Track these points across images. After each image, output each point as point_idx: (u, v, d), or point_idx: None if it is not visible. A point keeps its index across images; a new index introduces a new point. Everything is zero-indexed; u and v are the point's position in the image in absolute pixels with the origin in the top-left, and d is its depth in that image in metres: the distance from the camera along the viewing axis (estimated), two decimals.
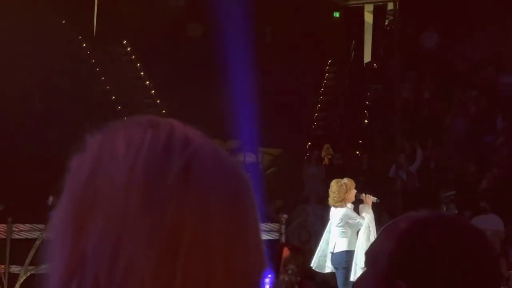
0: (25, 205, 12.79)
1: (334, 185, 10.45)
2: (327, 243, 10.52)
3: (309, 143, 20.10)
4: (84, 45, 21.32)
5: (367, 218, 10.22)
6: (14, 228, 11.50)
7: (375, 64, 22.21)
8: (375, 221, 10.22)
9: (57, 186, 0.90)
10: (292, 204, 16.25)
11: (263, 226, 10.84)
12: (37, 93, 18.05)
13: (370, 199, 10.43)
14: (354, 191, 10.43)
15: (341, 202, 10.33)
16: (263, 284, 0.90)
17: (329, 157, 18.45)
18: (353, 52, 23.26)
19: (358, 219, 10.27)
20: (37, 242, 10.87)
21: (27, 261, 11.17)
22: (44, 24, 18.61)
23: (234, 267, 0.86)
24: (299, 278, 9.91)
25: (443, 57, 19.88)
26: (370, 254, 1.54)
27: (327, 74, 22.62)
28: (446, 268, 1.44)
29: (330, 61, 22.76)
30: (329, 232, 10.55)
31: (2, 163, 15.22)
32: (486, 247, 1.50)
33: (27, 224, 11.49)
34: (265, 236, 10.69)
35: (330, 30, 22.94)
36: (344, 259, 10.25)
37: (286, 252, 10.16)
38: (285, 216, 12.05)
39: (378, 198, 10.57)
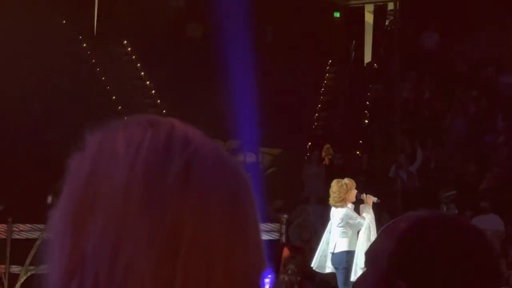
0: (25, 205, 12.79)
1: (334, 185, 10.46)
2: (328, 243, 10.52)
3: (310, 143, 20.10)
4: (84, 45, 21.31)
5: (368, 218, 10.22)
6: (14, 228, 11.50)
7: (375, 64, 22.21)
8: (376, 221, 10.22)
9: (56, 185, 0.90)
10: (292, 204, 16.25)
11: (263, 226, 10.85)
12: (37, 93, 18.03)
13: (370, 199, 10.43)
14: (354, 191, 10.43)
15: (342, 202, 10.33)
16: (263, 284, 0.90)
17: (330, 157, 18.45)
18: (353, 52, 23.26)
19: (359, 219, 10.27)
20: (38, 242, 10.86)
21: (28, 261, 11.17)
22: (44, 24, 18.60)
23: (234, 267, 0.86)
24: (299, 278, 9.90)
25: (443, 57, 19.88)
26: (370, 254, 1.54)
27: (327, 74, 22.62)
28: (446, 268, 1.44)
29: (330, 61, 22.75)
30: (330, 232, 10.55)
31: (2, 163, 15.22)
32: (486, 247, 1.50)
33: (27, 224, 11.49)
34: (265, 236, 10.69)
35: (331, 30, 22.93)
36: (345, 259, 10.25)
37: (286, 252, 10.15)
38: (285, 216, 12.05)
39: (378, 198, 10.57)
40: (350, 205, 10.43)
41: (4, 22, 17.71)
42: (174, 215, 0.84)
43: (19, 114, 17.11)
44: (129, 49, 22.03)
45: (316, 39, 21.61)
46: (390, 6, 21.97)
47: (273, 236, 11.44)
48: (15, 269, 11.43)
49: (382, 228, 1.60)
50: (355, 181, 10.68)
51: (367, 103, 20.53)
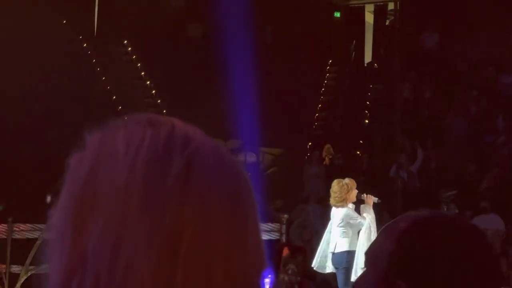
0: (25, 204, 12.79)
1: (335, 185, 10.44)
2: (328, 243, 10.52)
3: (310, 143, 20.10)
4: (84, 45, 21.32)
5: (368, 219, 10.22)
6: (14, 228, 11.50)
7: (375, 64, 22.21)
8: (376, 221, 10.22)
9: (56, 184, 0.90)
10: (293, 204, 16.25)
11: (264, 226, 10.84)
12: (37, 93, 18.03)
13: (371, 199, 10.42)
14: (355, 191, 10.42)
15: (343, 202, 10.32)
16: (264, 284, 0.90)
17: (330, 157, 18.45)
18: (353, 52, 23.26)
19: (359, 219, 10.26)
20: (38, 242, 10.85)
21: (28, 261, 11.16)
22: (44, 24, 18.60)
23: (234, 267, 0.85)
24: (299, 278, 9.90)
25: (444, 57, 19.88)
26: (370, 254, 1.54)
27: (327, 74, 22.62)
28: (446, 268, 1.44)
29: (330, 61, 22.76)
30: (330, 232, 10.55)
31: (2, 163, 15.22)
32: (486, 247, 1.50)
33: (27, 224, 11.49)
34: (265, 236, 10.69)
35: (331, 30, 22.93)
36: (345, 259, 10.25)
37: (286, 251, 10.15)
38: (285, 216, 12.05)
39: (379, 198, 10.57)
40: (350, 205, 10.43)
41: (4, 22, 17.71)
42: (174, 215, 0.83)
43: (19, 114, 17.10)
44: (129, 49, 22.03)
45: (316, 39, 21.61)
46: (391, 6, 21.98)
47: (273, 236, 11.43)
48: (15, 268, 11.42)
49: (382, 228, 1.60)
50: (355, 181, 10.68)
51: (368, 103, 20.53)
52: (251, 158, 17.82)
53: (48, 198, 12.79)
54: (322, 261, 10.52)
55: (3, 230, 11.52)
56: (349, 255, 10.22)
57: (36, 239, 11.01)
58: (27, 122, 17.16)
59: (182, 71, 19.91)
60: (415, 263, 1.45)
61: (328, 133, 20.29)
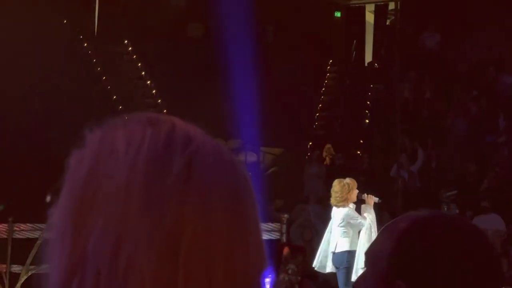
0: (26, 204, 12.78)
1: (336, 184, 10.44)
2: (328, 243, 10.52)
3: (310, 143, 20.10)
4: (85, 44, 21.32)
5: (369, 219, 10.22)
6: (15, 228, 11.49)
7: (376, 64, 22.21)
8: (376, 221, 10.22)
9: (56, 184, 0.90)
10: (293, 203, 16.25)
11: (264, 225, 10.83)
12: (37, 93, 18.03)
13: (372, 199, 10.42)
14: (356, 191, 10.42)
15: (344, 202, 10.32)
16: (264, 284, 0.90)
17: (330, 157, 18.45)
18: (354, 52, 23.25)
19: (360, 220, 10.26)
20: (38, 242, 10.85)
21: (28, 260, 11.16)
22: (44, 24, 18.60)
23: (234, 267, 0.85)
24: (299, 277, 9.90)
25: (444, 57, 19.88)
26: (370, 254, 1.54)
27: (328, 74, 22.62)
28: (446, 268, 1.43)
29: (331, 60, 22.76)
30: (330, 232, 10.55)
31: (2, 163, 15.22)
32: (487, 247, 1.50)
33: (28, 224, 11.48)
34: (266, 236, 10.67)
35: (331, 30, 22.94)
36: (346, 259, 10.25)
37: (286, 251, 10.15)
38: (286, 215, 12.04)
39: (379, 198, 10.57)
40: (351, 205, 10.42)
41: (4, 22, 17.70)
42: (174, 215, 0.83)
43: (19, 114, 17.10)
44: (129, 48, 22.03)
45: (317, 38, 21.61)
46: (391, 5, 21.99)
47: (274, 235, 11.42)
48: (16, 268, 11.42)
49: (382, 228, 1.60)
50: (356, 181, 10.67)
51: (368, 103, 20.53)
52: (251, 158, 17.82)
53: (48, 198, 12.79)
54: (323, 261, 10.52)
55: (4, 229, 11.52)
56: (350, 255, 10.22)
57: (36, 239, 11.00)
58: (27, 122, 17.16)
59: (183, 71, 19.91)
60: (415, 263, 1.45)
61: (328, 133, 20.29)
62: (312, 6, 22.07)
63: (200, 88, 18.72)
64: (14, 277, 11.36)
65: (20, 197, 13.69)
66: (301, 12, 21.66)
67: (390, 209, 12.88)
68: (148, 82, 21.37)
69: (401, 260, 1.46)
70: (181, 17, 21.95)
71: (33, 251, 10.88)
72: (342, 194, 10.31)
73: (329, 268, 10.53)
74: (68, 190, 0.88)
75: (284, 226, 11.70)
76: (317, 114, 21.49)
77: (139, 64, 21.68)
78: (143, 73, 21.61)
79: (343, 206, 10.32)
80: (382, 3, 23.62)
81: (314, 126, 21.09)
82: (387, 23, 23.34)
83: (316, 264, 10.56)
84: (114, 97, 20.09)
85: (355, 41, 23.33)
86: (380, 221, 10.18)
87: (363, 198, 10.45)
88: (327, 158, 18.48)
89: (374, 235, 9.65)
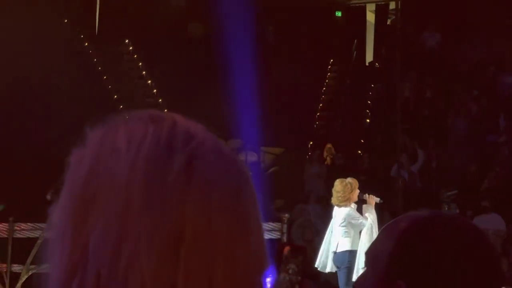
0: (26, 204, 12.79)
1: (338, 184, 10.42)
2: (330, 243, 10.51)
3: (311, 143, 20.10)
4: (85, 44, 21.32)
5: (370, 219, 10.22)
6: (15, 227, 11.49)
7: (377, 64, 22.21)
8: (378, 221, 10.22)
9: (57, 183, 0.89)
10: (293, 203, 16.25)
11: (265, 225, 10.81)
12: (37, 93, 18.03)
13: (373, 199, 10.42)
14: (357, 191, 10.42)
15: (346, 202, 10.31)
16: (265, 284, 0.89)
17: (331, 157, 18.45)
18: (354, 52, 23.25)
19: (361, 220, 10.26)
20: (39, 241, 10.85)
21: (29, 260, 11.17)
22: (44, 24, 18.60)
23: (235, 267, 0.85)
24: (299, 277, 9.90)
25: (445, 57, 19.87)
26: (370, 254, 1.54)
27: (328, 74, 22.62)
28: (446, 268, 1.43)
29: (332, 60, 22.76)
30: (331, 232, 10.54)
31: (3, 163, 15.22)
32: (487, 246, 1.50)
33: (28, 223, 11.48)
34: (266, 236, 10.64)
35: (332, 30, 22.94)
36: (347, 258, 10.24)
37: (286, 251, 10.14)
38: (286, 215, 12.04)
39: (381, 198, 10.56)
40: (353, 205, 10.42)
41: (4, 22, 17.70)
42: (174, 215, 0.83)
43: (20, 114, 17.11)
44: (130, 48, 22.03)
45: (317, 38, 21.61)
46: (392, 5, 21.98)
47: (274, 235, 11.42)
48: (16, 268, 11.42)
49: (382, 228, 1.60)
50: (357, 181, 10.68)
51: (369, 102, 20.53)
52: (252, 157, 17.82)
53: (49, 196, 12.81)
54: (325, 261, 10.52)
55: (4, 229, 11.52)
56: (351, 254, 10.22)
57: (37, 239, 11.00)
58: (28, 122, 17.16)
59: (183, 71, 19.92)
60: (415, 263, 1.45)
61: (329, 132, 20.29)
62: (313, 6, 22.07)
63: (200, 87, 18.72)
64: (15, 276, 11.36)
65: (20, 196, 13.69)
66: (301, 12, 21.66)
67: (391, 209, 12.87)
68: (149, 81, 21.37)
69: (401, 260, 1.46)
70: (182, 17, 21.96)
71: (34, 251, 10.88)
72: (344, 194, 10.30)
73: (329, 267, 10.53)
74: (68, 189, 0.87)
75: (285, 226, 11.70)
76: (318, 114, 21.49)
77: (140, 64, 21.69)
78: (143, 72, 21.61)
79: (345, 206, 10.32)
80: (382, 3, 23.62)
81: (315, 126, 21.09)
82: (388, 23, 23.34)
83: (318, 264, 10.56)
84: (115, 96, 20.10)
85: (355, 40, 23.33)
86: (381, 221, 10.18)
87: (364, 198, 10.45)
88: (328, 158, 18.48)
89: (375, 235, 9.63)
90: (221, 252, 0.84)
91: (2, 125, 16.39)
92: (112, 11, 21.56)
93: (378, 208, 10.72)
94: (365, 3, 24.08)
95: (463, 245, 1.47)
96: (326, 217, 11.33)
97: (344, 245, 10.32)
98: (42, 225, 11.23)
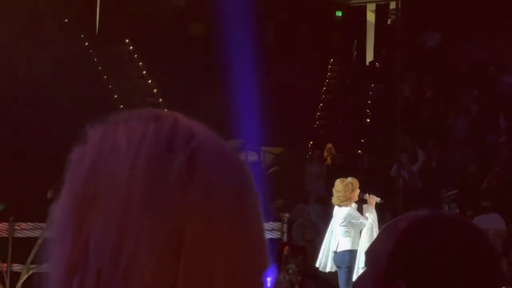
0: (27, 203, 12.79)
1: (339, 184, 10.42)
2: (330, 243, 10.51)
3: (311, 142, 20.10)
4: (86, 44, 21.32)
5: (371, 219, 10.22)
6: (16, 227, 11.49)
7: (377, 64, 22.20)
8: (378, 221, 10.22)
9: (58, 181, 0.89)
10: (293, 203, 16.25)
11: (265, 225, 10.79)
12: (37, 92, 18.02)
13: (373, 199, 10.42)
14: (358, 191, 10.42)
15: (347, 201, 10.31)
16: (266, 283, 0.89)
17: (331, 156, 18.45)
18: (355, 52, 23.25)
19: (361, 219, 10.26)
20: (39, 241, 10.85)
21: (29, 259, 11.16)
22: (44, 24, 18.60)
23: (235, 267, 0.85)
24: (299, 277, 9.91)
25: (445, 57, 19.87)
26: (370, 253, 1.54)
27: (329, 73, 22.62)
28: (446, 268, 1.43)
29: (332, 60, 22.76)
30: (332, 231, 10.54)
31: (3, 162, 15.22)
32: (487, 246, 1.50)
33: (29, 223, 11.48)
34: (266, 235, 10.64)
35: (332, 29, 22.93)
36: (347, 258, 10.24)
37: (286, 251, 10.15)
38: (286, 215, 12.04)
39: (381, 198, 10.56)
40: (353, 205, 10.42)
41: (4, 22, 17.70)
42: (174, 214, 0.83)
43: (20, 114, 17.10)
44: (130, 48, 22.03)
45: (318, 38, 21.61)
46: (392, 5, 21.97)
47: (275, 235, 11.42)
48: (16, 267, 11.42)
49: (382, 227, 1.60)
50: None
51: (369, 102, 20.53)
52: (252, 157, 17.81)
53: (49, 194, 12.81)
54: (326, 260, 10.52)
55: (4, 229, 11.52)
56: (351, 254, 10.22)
57: (37, 238, 11.00)
58: (28, 122, 17.16)
59: (184, 70, 19.91)
60: (415, 263, 1.45)
61: (329, 132, 20.29)
62: (313, 5, 22.07)
63: (200, 87, 18.72)
64: (15, 276, 11.36)
65: (21, 196, 13.70)
66: (301, 11, 21.65)
67: (391, 209, 12.87)
68: (149, 81, 21.37)
69: (401, 260, 1.46)
70: (182, 17, 21.95)
71: (34, 250, 10.87)
72: (345, 194, 10.30)
73: (329, 267, 10.52)
74: (69, 188, 0.87)
75: (285, 225, 11.70)
76: (318, 114, 21.49)
77: (140, 64, 21.69)
78: (144, 72, 21.62)
79: (346, 205, 10.32)
80: (383, 3, 23.61)
81: (315, 126, 21.09)
82: (388, 23, 23.33)
83: (319, 263, 10.56)
84: (115, 96, 20.09)
85: (356, 40, 23.33)
86: (381, 221, 10.18)
87: (364, 198, 10.45)
88: (328, 158, 18.48)
89: (376, 235, 9.65)
90: (222, 252, 0.84)
91: (2, 124, 16.39)
92: (112, 11, 21.56)
93: (379, 208, 10.72)
94: (365, 3, 24.07)
95: (463, 245, 1.47)
96: (326, 217, 11.32)
97: (345, 245, 10.31)
98: (43, 224, 11.23)
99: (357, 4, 24.00)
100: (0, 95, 16.67)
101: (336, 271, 10.52)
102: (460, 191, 15.05)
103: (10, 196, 13.35)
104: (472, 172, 16.11)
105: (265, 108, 16.60)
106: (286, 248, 10.25)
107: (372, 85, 20.76)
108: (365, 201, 10.46)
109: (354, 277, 9.85)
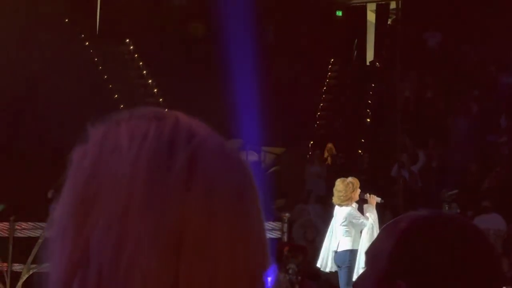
0: (27, 203, 12.79)
1: (340, 184, 10.42)
2: (331, 242, 10.51)
3: (311, 142, 20.10)
4: (86, 43, 21.32)
5: (371, 219, 10.21)
6: (16, 226, 11.49)
7: (377, 63, 22.20)
8: (379, 221, 10.22)
9: (59, 180, 0.89)
10: (294, 203, 16.25)
11: (266, 224, 10.78)
12: (37, 92, 18.03)
13: (374, 199, 10.41)
14: (359, 191, 10.42)
15: (348, 201, 10.31)
16: (266, 284, 0.89)
17: (332, 156, 18.45)
18: (355, 51, 23.25)
19: (362, 219, 10.26)
20: (40, 241, 10.84)
21: (30, 259, 11.16)
22: (45, 24, 18.60)
23: (236, 267, 0.85)
24: (299, 277, 9.89)
25: (445, 57, 19.87)
26: (370, 253, 1.54)
27: (329, 73, 22.62)
28: (446, 268, 1.43)
29: (332, 60, 22.76)
30: (332, 231, 10.54)
31: (3, 162, 15.23)
32: (487, 246, 1.50)
33: (29, 223, 11.48)
34: (267, 235, 10.63)
35: (333, 29, 22.93)
36: (348, 258, 10.24)
37: (286, 251, 10.14)
38: (287, 214, 12.04)
39: (381, 198, 10.56)
40: (354, 205, 10.42)
41: (4, 22, 17.70)
42: (175, 214, 0.83)
43: (20, 114, 17.11)
44: (131, 48, 22.03)
45: (318, 38, 21.61)
46: (392, 5, 21.96)
47: (275, 234, 11.42)
48: (17, 267, 11.42)
49: (382, 227, 1.59)
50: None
51: (369, 102, 20.53)
52: (252, 157, 17.82)
53: (50, 193, 12.82)
54: (326, 260, 10.52)
55: (5, 228, 11.52)
56: (352, 254, 10.21)
57: (37, 238, 11.00)
58: (28, 121, 17.16)
59: (184, 70, 19.92)
60: (415, 263, 1.45)
61: (329, 132, 20.29)
62: (314, 5, 22.07)
63: (201, 87, 18.72)
64: (16, 276, 11.36)
65: (21, 196, 13.70)
66: (301, 11, 21.65)
67: (392, 209, 12.88)
68: (150, 81, 21.37)
69: (401, 259, 1.46)
70: (182, 16, 21.95)
71: (35, 250, 10.88)
72: (346, 193, 10.30)
73: (329, 267, 10.52)
74: (70, 187, 0.87)
75: (286, 225, 11.69)
76: (318, 114, 21.49)
77: (140, 63, 21.69)
78: (144, 72, 21.62)
79: (347, 205, 10.31)
80: (383, 3, 23.61)
81: (315, 126, 21.09)
82: (389, 23, 23.33)
83: (320, 263, 10.56)
84: (116, 96, 20.09)
85: (356, 40, 23.33)
86: (382, 220, 10.18)
87: (365, 197, 10.45)
88: (328, 158, 18.48)
89: (376, 235, 9.63)
90: (222, 252, 0.84)
91: (3, 124, 16.39)
92: (113, 11, 21.56)
93: (379, 207, 10.72)
94: (365, 2, 24.07)
95: (464, 245, 1.47)
96: (326, 217, 11.32)
97: (345, 245, 10.31)
98: (43, 224, 11.23)
99: (357, 4, 24.00)
100: (0, 95, 16.66)
101: (336, 271, 10.52)
102: (460, 191, 15.05)
103: (10, 196, 13.35)
104: (472, 172, 16.11)
105: (265, 108, 16.60)
106: (286, 248, 10.26)
107: (372, 85, 20.76)
108: (365, 201, 10.46)
109: (355, 277, 9.85)
